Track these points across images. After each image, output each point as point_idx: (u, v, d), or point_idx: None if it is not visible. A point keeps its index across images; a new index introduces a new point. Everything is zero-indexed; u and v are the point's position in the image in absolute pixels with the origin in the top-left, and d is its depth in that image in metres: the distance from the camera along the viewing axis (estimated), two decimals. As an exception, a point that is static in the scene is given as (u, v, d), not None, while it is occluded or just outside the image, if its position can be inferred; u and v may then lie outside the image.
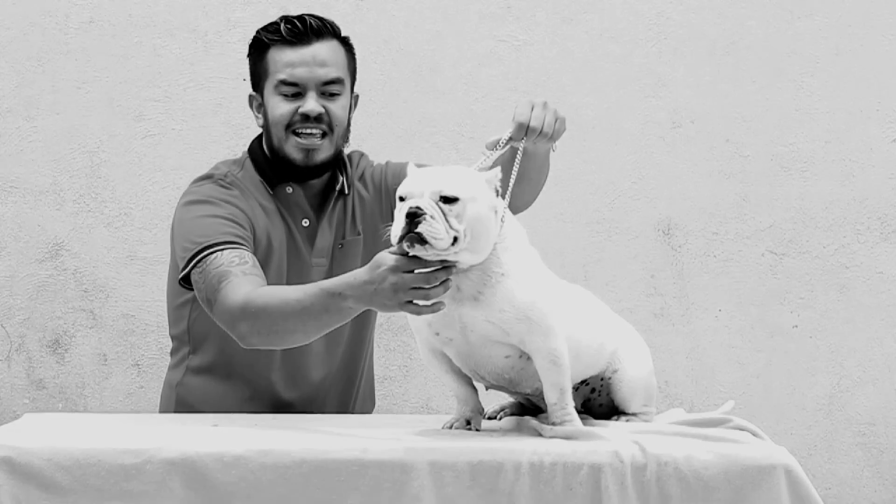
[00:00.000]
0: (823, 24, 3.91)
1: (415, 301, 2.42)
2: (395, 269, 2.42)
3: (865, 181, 3.92)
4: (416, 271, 2.41)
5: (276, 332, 2.67)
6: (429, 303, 2.42)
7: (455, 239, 2.37)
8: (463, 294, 2.47)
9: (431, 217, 2.36)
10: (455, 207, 2.38)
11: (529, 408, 2.77)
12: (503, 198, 2.52)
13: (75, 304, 3.86)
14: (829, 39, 3.92)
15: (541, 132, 2.64)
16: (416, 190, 2.41)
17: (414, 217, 2.37)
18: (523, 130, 2.63)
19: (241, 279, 2.76)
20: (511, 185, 2.58)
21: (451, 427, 2.60)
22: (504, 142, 2.62)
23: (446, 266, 2.41)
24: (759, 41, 3.91)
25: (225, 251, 2.83)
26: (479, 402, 2.63)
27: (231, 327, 2.75)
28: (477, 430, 2.59)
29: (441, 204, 2.38)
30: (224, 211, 2.93)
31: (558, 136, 2.70)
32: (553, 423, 2.51)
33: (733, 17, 3.91)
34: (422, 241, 2.36)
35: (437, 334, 2.53)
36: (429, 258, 2.40)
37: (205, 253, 2.83)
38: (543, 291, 2.50)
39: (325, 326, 2.64)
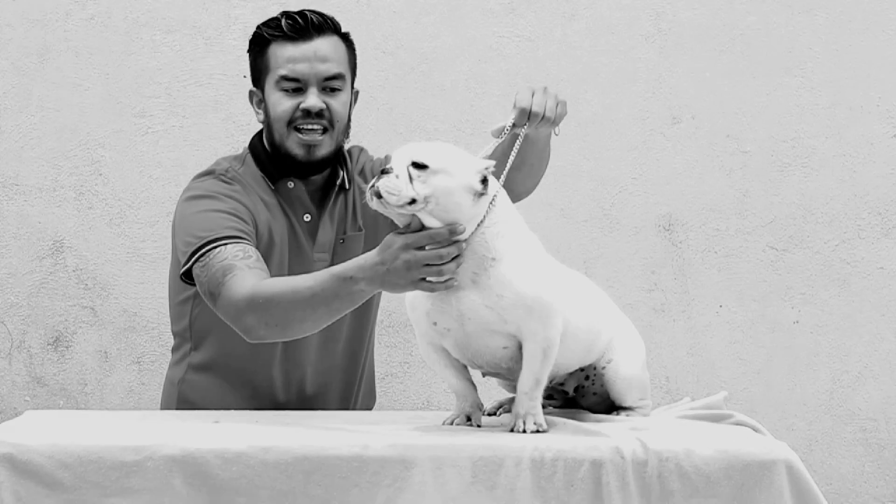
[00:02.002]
0: (824, 19, 3.91)
1: (427, 278, 2.46)
2: (406, 247, 2.45)
3: (866, 176, 3.92)
4: (427, 247, 2.44)
5: (286, 321, 2.68)
6: (442, 279, 2.45)
7: (413, 200, 2.43)
8: (459, 280, 2.48)
9: (396, 176, 2.43)
10: (423, 174, 2.43)
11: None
12: (495, 181, 2.52)
13: (76, 301, 3.86)
14: (829, 35, 3.91)
15: (543, 116, 2.65)
16: (397, 156, 2.49)
17: (383, 174, 2.46)
18: (526, 115, 2.64)
19: (246, 272, 2.76)
20: (507, 170, 2.59)
21: (451, 423, 2.61)
22: (508, 128, 2.63)
23: (456, 241, 2.44)
24: (760, 37, 3.91)
25: (228, 245, 2.83)
26: (478, 398, 2.63)
27: (236, 320, 2.75)
28: (478, 426, 2.60)
29: (411, 168, 2.44)
30: (226, 206, 2.93)
31: (560, 119, 2.71)
32: (518, 414, 2.52)
33: (734, 13, 3.91)
34: (379, 195, 2.44)
35: (435, 324, 2.54)
36: (389, 214, 2.46)
37: (208, 247, 2.83)
38: (544, 279, 2.50)
39: (336, 312, 2.64)
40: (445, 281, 2.46)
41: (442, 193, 2.44)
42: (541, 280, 2.50)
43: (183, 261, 2.89)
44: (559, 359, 2.62)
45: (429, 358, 2.63)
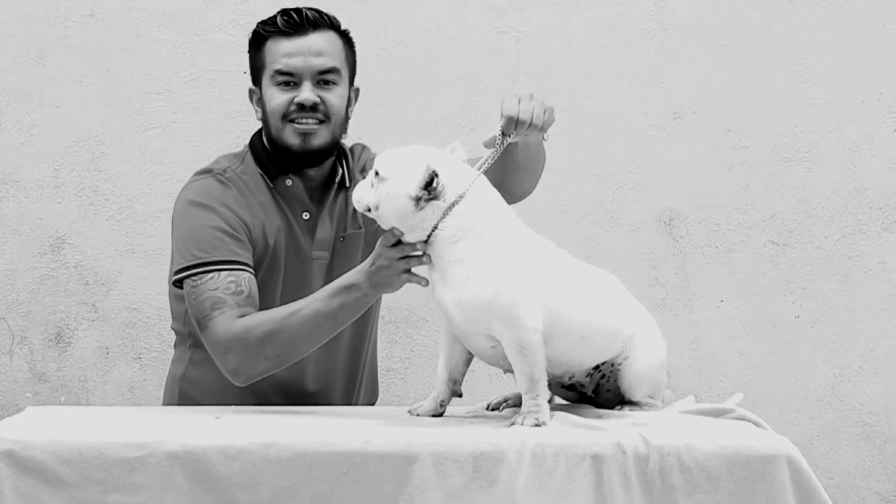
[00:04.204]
0: (824, 13, 3.91)
1: (410, 271, 2.62)
2: (381, 246, 2.62)
3: (867, 171, 3.92)
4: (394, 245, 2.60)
5: (288, 347, 2.78)
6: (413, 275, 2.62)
7: (369, 207, 2.60)
8: (433, 279, 2.60)
9: (363, 183, 2.61)
10: (376, 181, 2.58)
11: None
12: (455, 188, 2.56)
13: (77, 297, 3.86)
14: (829, 29, 3.91)
15: (530, 124, 2.66)
16: None
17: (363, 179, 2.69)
18: (513, 123, 2.66)
19: (235, 311, 2.84)
20: (478, 175, 2.61)
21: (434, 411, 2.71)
22: (499, 137, 2.65)
23: (406, 242, 2.60)
24: (760, 31, 3.91)
25: (222, 272, 2.88)
26: (446, 393, 2.70)
27: (223, 363, 2.84)
28: (442, 402, 2.70)
29: (373, 175, 2.58)
30: (224, 221, 2.94)
31: (548, 126, 2.73)
32: (520, 412, 2.54)
33: (734, 8, 3.90)
34: None
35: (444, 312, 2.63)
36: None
37: (201, 269, 2.88)
38: (506, 280, 2.53)
39: (341, 324, 2.77)
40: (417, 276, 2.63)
41: (385, 200, 2.56)
42: (497, 282, 2.53)
43: (174, 269, 2.93)
44: (570, 358, 2.63)
45: (441, 336, 2.71)
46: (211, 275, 2.87)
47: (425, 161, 2.53)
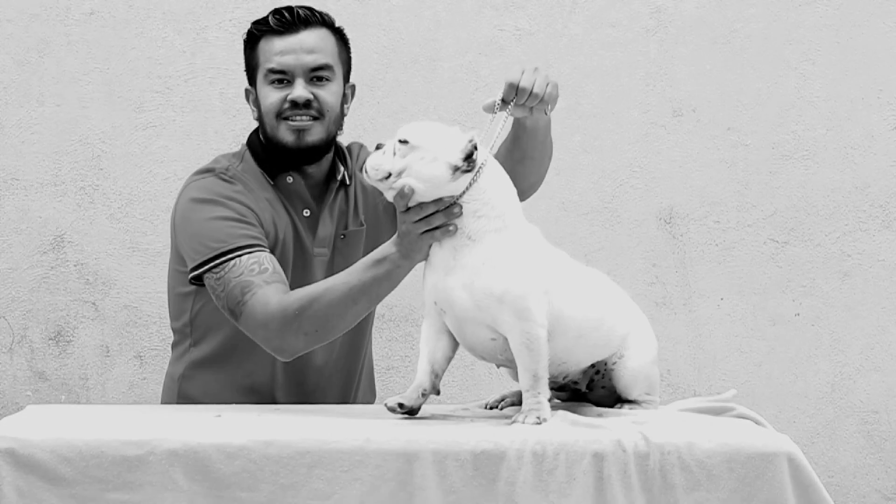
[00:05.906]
0: (824, 11, 3.91)
1: (433, 232, 2.58)
2: (399, 213, 2.60)
3: (867, 169, 3.92)
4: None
5: (325, 323, 2.76)
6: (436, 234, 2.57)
7: (388, 175, 2.56)
8: (435, 262, 2.58)
9: (383, 153, 2.58)
10: (403, 149, 2.55)
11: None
12: (480, 158, 2.56)
13: (77, 295, 3.86)
14: (830, 27, 3.91)
15: (531, 93, 2.65)
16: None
17: (376, 149, 2.63)
18: (514, 90, 2.66)
19: (266, 289, 2.82)
20: (489, 148, 2.62)
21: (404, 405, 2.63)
22: (499, 104, 2.65)
23: (436, 200, 2.56)
24: (760, 29, 3.91)
25: (243, 256, 2.86)
26: (427, 386, 2.63)
27: (268, 341, 2.82)
28: (410, 413, 2.61)
29: (397, 144, 2.56)
30: (233, 211, 2.94)
31: (551, 99, 2.72)
32: (521, 410, 2.53)
33: (734, 6, 3.90)
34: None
35: (435, 303, 2.60)
36: (372, 184, 2.62)
37: (222, 258, 2.87)
38: (519, 271, 2.52)
39: (376, 298, 2.75)
40: (446, 229, 2.56)
41: (417, 166, 2.54)
42: (514, 272, 2.52)
43: (192, 265, 2.91)
44: (568, 357, 2.63)
45: (423, 331, 2.67)
46: (233, 262, 2.86)
47: (466, 134, 2.54)
